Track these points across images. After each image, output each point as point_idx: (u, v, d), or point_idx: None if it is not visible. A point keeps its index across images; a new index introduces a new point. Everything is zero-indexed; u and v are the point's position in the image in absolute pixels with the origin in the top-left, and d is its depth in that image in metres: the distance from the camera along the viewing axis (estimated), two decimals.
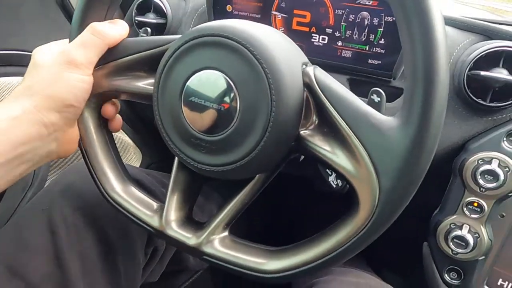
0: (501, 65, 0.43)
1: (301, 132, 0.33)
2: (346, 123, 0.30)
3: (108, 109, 0.42)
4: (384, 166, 0.28)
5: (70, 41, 0.39)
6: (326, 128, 0.32)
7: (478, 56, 0.44)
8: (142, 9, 0.61)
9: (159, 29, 0.61)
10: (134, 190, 0.42)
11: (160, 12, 0.61)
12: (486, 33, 0.48)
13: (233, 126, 0.31)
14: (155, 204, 0.41)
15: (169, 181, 0.63)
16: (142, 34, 0.43)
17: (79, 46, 0.37)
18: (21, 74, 0.58)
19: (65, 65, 0.36)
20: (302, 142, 0.33)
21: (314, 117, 0.33)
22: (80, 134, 0.41)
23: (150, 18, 0.60)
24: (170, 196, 0.39)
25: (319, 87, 0.31)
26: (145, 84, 0.40)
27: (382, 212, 0.29)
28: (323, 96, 0.31)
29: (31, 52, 0.56)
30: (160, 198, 0.46)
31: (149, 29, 0.43)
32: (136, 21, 0.61)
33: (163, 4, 0.61)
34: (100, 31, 0.38)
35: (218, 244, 0.37)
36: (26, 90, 0.35)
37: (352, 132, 0.29)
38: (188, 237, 0.37)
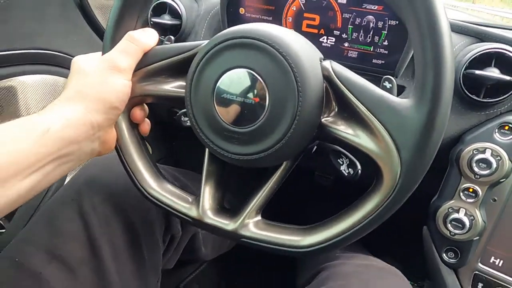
0: (493, 64, 0.48)
1: (323, 120, 0.36)
2: (365, 107, 0.33)
3: (137, 113, 0.45)
4: (403, 141, 0.32)
5: (104, 50, 0.42)
6: (347, 113, 0.36)
7: (473, 56, 0.48)
8: (158, 11, 0.64)
9: (174, 29, 0.64)
10: (169, 185, 0.45)
11: (175, 14, 0.64)
12: (479, 36, 0.53)
13: (264, 117, 0.35)
14: (190, 197, 0.44)
15: (180, 174, 0.67)
16: (166, 42, 0.46)
17: (121, 53, 0.40)
18: (46, 72, 0.60)
19: (110, 71, 0.39)
20: (325, 129, 0.36)
21: (334, 105, 0.37)
22: (116, 135, 0.44)
23: (166, 19, 0.63)
24: (204, 188, 0.42)
25: (338, 78, 0.35)
26: (172, 87, 0.43)
27: (404, 181, 0.33)
28: (342, 86, 0.35)
29: (55, 51, 0.59)
30: None
31: (172, 37, 0.47)
32: (152, 22, 0.64)
33: (178, 6, 0.64)
34: (137, 39, 0.41)
35: (253, 227, 0.40)
36: (76, 94, 0.38)
37: (372, 114, 0.33)
38: (225, 223, 0.40)
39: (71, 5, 0.62)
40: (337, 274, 0.51)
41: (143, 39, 0.42)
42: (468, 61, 0.48)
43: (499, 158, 0.46)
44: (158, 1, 0.64)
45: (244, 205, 0.41)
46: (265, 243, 0.39)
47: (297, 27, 0.57)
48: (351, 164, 0.47)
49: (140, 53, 0.42)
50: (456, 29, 0.55)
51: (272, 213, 0.47)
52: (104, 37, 0.43)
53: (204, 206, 0.42)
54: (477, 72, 0.47)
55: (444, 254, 0.52)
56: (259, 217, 0.41)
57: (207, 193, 0.42)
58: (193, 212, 0.42)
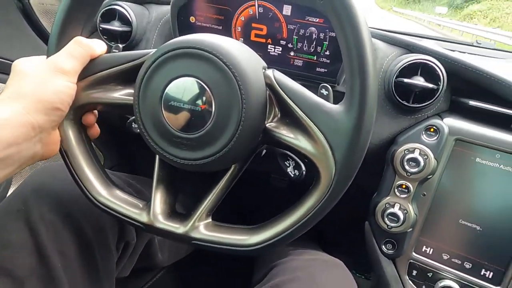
0: (419, 73, 0.54)
1: (267, 125, 0.39)
2: (303, 113, 0.37)
3: (89, 117, 0.45)
4: (336, 142, 0.36)
5: (48, 56, 0.42)
6: (288, 119, 0.39)
7: (403, 66, 0.54)
8: (107, 17, 0.64)
9: (124, 36, 0.64)
10: (119, 192, 0.45)
11: (124, 20, 0.64)
12: (408, 47, 0.59)
13: (210, 123, 0.37)
14: (140, 203, 0.44)
15: (134, 180, 0.66)
16: (114, 50, 0.46)
17: (66, 55, 0.40)
18: None
19: (52, 72, 0.39)
20: (269, 133, 0.39)
21: (277, 110, 0.40)
22: (61, 140, 0.43)
23: (116, 26, 0.63)
24: (154, 193, 0.43)
25: (278, 86, 0.38)
26: (121, 94, 0.44)
27: (339, 179, 0.36)
28: (283, 93, 0.38)
29: None
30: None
31: (121, 45, 0.48)
32: (101, 28, 0.64)
33: (128, 12, 0.64)
34: (85, 43, 0.41)
35: (204, 229, 0.42)
36: (13, 94, 0.37)
37: (309, 119, 0.37)
38: (176, 227, 0.42)
39: (12, 8, 0.59)
40: (286, 269, 0.54)
41: (92, 44, 0.42)
42: (398, 71, 0.54)
43: (426, 157, 0.52)
44: (107, 7, 0.63)
45: (194, 209, 0.42)
46: (215, 244, 0.41)
47: (245, 37, 0.60)
48: (297, 166, 0.50)
49: (87, 58, 0.42)
50: (389, 40, 0.60)
51: (231, 216, 0.49)
52: (48, 45, 0.42)
53: (155, 211, 0.43)
54: (406, 80, 0.53)
55: (383, 246, 0.57)
56: (209, 219, 0.43)
57: (158, 198, 0.43)
58: (143, 217, 0.43)
